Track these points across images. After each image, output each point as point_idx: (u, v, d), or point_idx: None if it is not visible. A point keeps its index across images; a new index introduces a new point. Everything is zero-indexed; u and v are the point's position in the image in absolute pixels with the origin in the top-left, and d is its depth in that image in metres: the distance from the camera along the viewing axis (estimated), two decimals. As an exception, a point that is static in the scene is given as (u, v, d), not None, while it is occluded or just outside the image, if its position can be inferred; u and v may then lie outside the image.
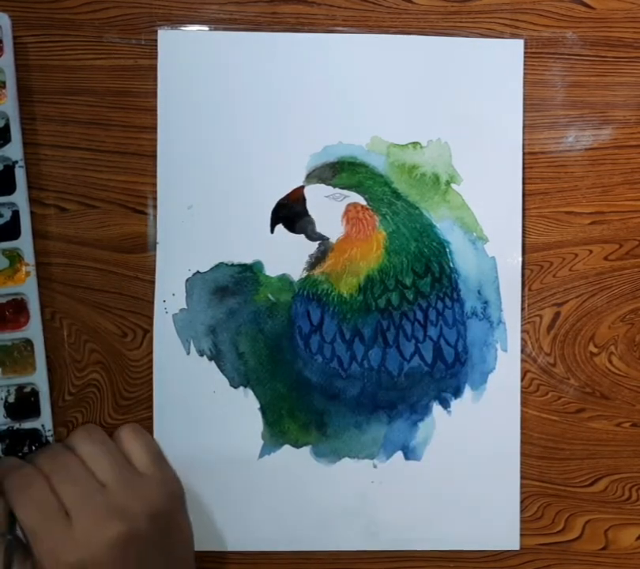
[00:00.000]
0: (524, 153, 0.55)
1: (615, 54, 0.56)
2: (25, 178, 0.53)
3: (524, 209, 0.55)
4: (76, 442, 0.49)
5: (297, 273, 0.55)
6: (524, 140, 0.55)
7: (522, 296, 0.55)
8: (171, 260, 0.55)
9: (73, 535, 0.42)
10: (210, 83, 0.55)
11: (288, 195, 0.55)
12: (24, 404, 0.54)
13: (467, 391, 0.55)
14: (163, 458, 0.52)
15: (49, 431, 0.53)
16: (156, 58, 0.54)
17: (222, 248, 0.55)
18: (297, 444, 0.55)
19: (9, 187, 0.53)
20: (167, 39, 0.54)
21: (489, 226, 0.55)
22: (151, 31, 0.54)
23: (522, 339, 0.55)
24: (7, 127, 0.53)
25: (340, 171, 0.55)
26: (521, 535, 0.55)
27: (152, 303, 0.55)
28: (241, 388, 0.55)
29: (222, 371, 0.55)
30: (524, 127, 0.55)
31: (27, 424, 0.53)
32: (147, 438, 0.52)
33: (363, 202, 0.55)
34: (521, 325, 0.55)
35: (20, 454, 0.53)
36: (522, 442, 0.55)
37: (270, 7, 0.55)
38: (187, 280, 0.55)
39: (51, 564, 0.41)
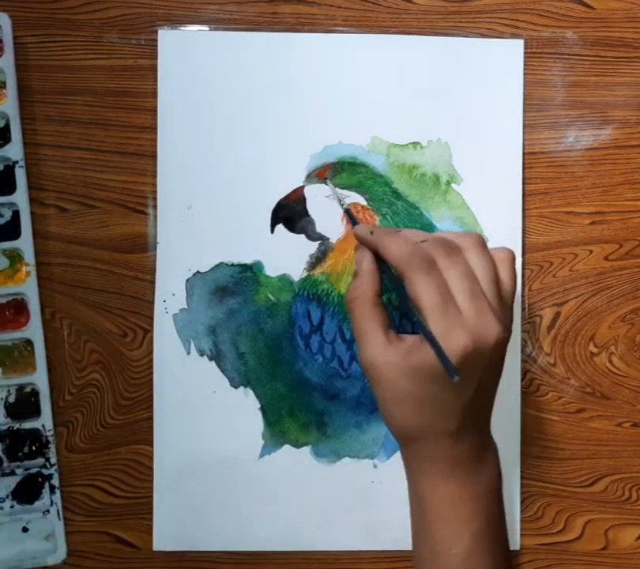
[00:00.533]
0: (524, 153, 0.55)
1: (615, 54, 0.56)
2: (25, 178, 0.53)
3: (524, 209, 0.55)
4: (465, 245, 0.47)
5: (297, 273, 0.55)
6: (524, 140, 0.55)
7: (522, 296, 0.55)
8: (171, 260, 0.55)
9: (463, 322, 0.44)
10: (210, 83, 0.55)
11: (288, 195, 0.55)
12: (24, 404, 0.54)
13: (467, 391, 0.55)
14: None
15: (49, 431, 0.53)
16: (156, 58, 0.54)
17: (222, 248, 0.55)
18: (297, 444, 0.55)
19: (9, 187, 0.53)
20: (167, 39, 0.54)
21: (489, 226, 0.55)
22: (151, 31, 0.54)
23: (522, 339, 0.55)
24: (7, 127, 0.53)
25: (340, 171, 0.55)
26: (521, 535, 0.55)
27: (152, 303, 0.55)
28: (241, 388, 0.55)
29: (222, 371, 0.55)
30: (524, 127, 0.55)
31: (27, 424, 0.53)
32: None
33: (364, 202, 0.55)
34: (521, 326, 0.55)
35: (20, 454, 0.53)
36: (522, 442, 0.55)
37: (270, 7, 0.55)
38: (187, 280, 0.55)
39: (446, 341, 0.43)
